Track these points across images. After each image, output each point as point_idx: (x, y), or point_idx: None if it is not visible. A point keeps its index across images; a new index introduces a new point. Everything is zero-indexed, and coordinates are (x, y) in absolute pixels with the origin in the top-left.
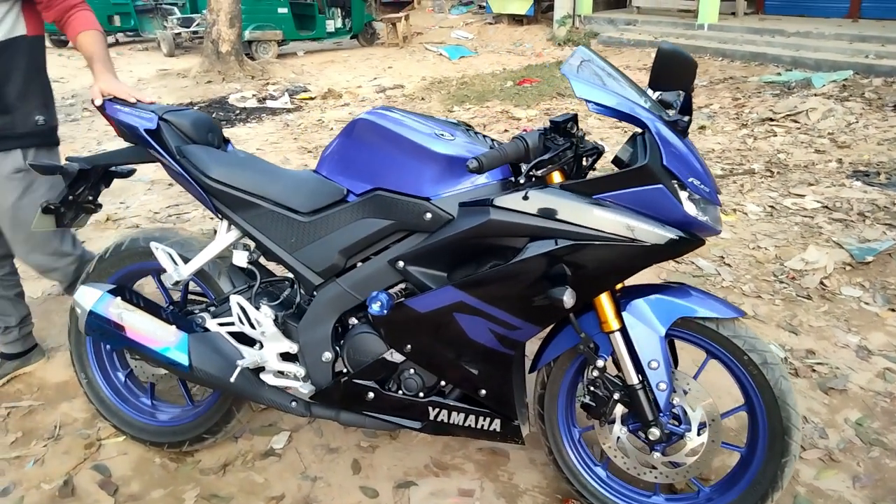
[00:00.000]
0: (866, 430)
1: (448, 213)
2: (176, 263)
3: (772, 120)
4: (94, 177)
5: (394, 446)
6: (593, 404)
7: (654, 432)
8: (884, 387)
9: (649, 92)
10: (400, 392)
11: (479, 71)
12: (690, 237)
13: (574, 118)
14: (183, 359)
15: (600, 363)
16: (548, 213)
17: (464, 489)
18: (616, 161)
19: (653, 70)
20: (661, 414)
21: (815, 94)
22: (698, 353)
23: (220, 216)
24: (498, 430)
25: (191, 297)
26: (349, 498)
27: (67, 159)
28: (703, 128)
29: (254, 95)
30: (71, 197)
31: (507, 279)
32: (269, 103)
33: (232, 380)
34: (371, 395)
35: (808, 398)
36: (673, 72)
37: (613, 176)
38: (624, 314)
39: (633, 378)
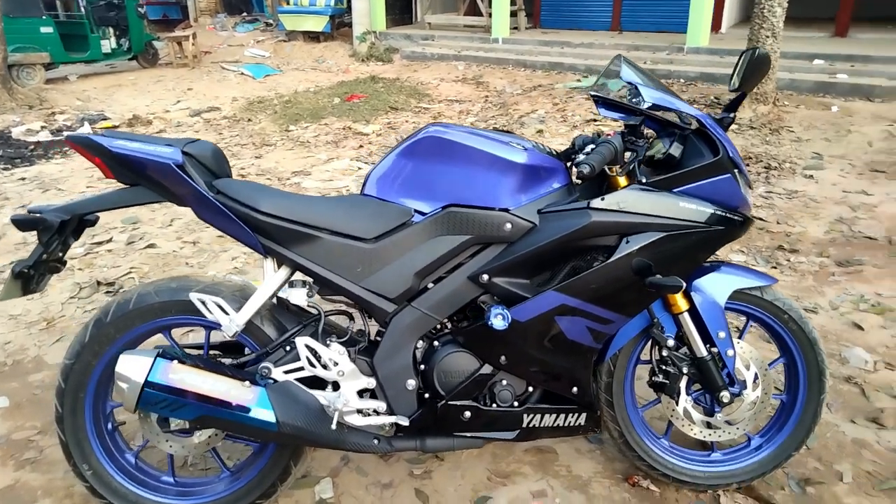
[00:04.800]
0: None
1: (530, 221)
2: (227, 313)
3: (595, 120)
4: (69, 229)
5: (446, 467)
6: (666, 382)
7: (726, 395)
8: None
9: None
10: (494, 405)
11: (291, 89)
12: (747, 219)
13: (643, 122)
14: (269, 416)
15: (671, 342)
16: (641, 210)
17: (535, 491)
18: (667, 158)
19: (746, 71)
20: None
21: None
22: None
23: (266, 255)
24: (582, 423)
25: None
26: None
27: (32, 210)
28: (540, 131)
29: (43, 127)
30: (45, 255)
31: (610, 276)
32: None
33: (333, 427)
34: (468, 413)
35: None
36: (758, 74)
37: (692, 170)
38: (692, 294)
39: (703, 351)
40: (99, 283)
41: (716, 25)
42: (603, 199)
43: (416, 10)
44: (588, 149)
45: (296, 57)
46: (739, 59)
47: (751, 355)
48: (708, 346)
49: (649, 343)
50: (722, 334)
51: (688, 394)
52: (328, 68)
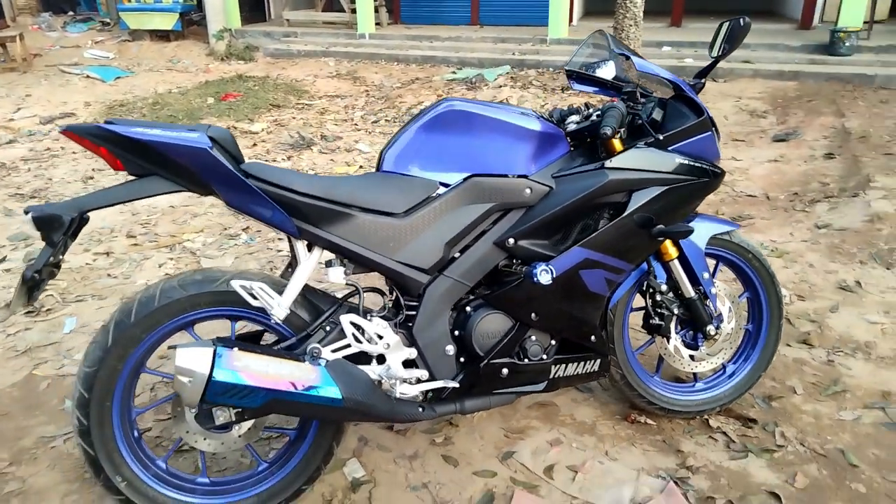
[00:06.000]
0: None
1: (547, 185)
2: (272, 298)
3: None
4: (72, 228)
5: (463, 432)
6: (662, 324)
7: (711, 329)
8: None
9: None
10: (527, 360)
11: (150, 91)
12: (723, 171)
13: (638, 88)
14: (335, 393)
15: (664, 287)
16: (648, 167)
17: (552, 440)
18: (651, 123)
19: (736, 39)
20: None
21: (501, 86)
22: None
23: (299, 237)
24: (596, 369)
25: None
26: (474, 486)
27: (32, 210)
28: None
29: None
30: (52, 258)
31: (625, 228)
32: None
33: (397, 397)
34: (505, 371)
35: None
36: (738, 41)
37: (683, 129)
38: (682, 241)
39: (691, 291)
40: (9, 305)
41: (569, 19)
42: (612, 161)
43: (269, 7)
44: (575, 117)
45: (146, 57)
46: (719, 28)
47: (725, 292)
48: (693, 287)
49: (638, 293)
50: (706, 275)
51: (677, 332)
52: (185, 68)
